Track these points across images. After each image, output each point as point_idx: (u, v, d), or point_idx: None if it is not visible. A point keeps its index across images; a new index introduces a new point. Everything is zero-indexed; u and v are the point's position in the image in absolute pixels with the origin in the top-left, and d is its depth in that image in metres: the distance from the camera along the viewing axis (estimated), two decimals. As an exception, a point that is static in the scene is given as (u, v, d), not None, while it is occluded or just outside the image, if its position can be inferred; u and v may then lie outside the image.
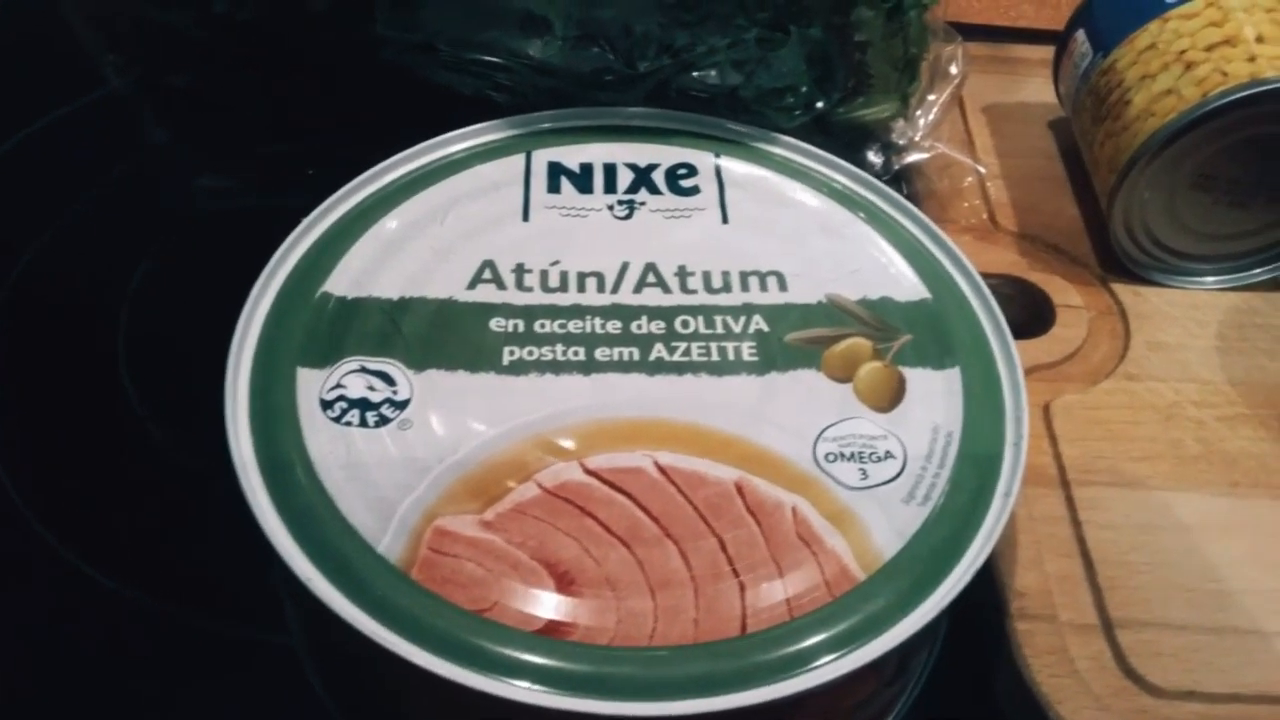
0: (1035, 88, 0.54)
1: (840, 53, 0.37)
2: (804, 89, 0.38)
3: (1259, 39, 0.40)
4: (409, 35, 0.38)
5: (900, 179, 0.48)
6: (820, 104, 0.39)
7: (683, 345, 0.34)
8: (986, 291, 0.36)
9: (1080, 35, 0.47)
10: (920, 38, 0.40)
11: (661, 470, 0.31)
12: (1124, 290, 0.46)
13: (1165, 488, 0.39)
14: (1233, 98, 0.39)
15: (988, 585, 0.36)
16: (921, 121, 0.45)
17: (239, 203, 0.52)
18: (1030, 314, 0.46)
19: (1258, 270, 0.45)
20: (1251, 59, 0.40)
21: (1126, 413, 0.42)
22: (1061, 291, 0.46)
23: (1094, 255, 0.47)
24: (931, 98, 0.43)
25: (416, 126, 0.40)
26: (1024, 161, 0.52)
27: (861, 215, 0.38)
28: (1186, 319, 0.45)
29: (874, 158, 0.45)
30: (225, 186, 0.52)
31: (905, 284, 0.36)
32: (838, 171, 0.40)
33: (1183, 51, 0.42)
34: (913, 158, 0.44)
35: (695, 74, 0.38)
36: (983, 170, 0.48)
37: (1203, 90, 0.40)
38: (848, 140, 0.42)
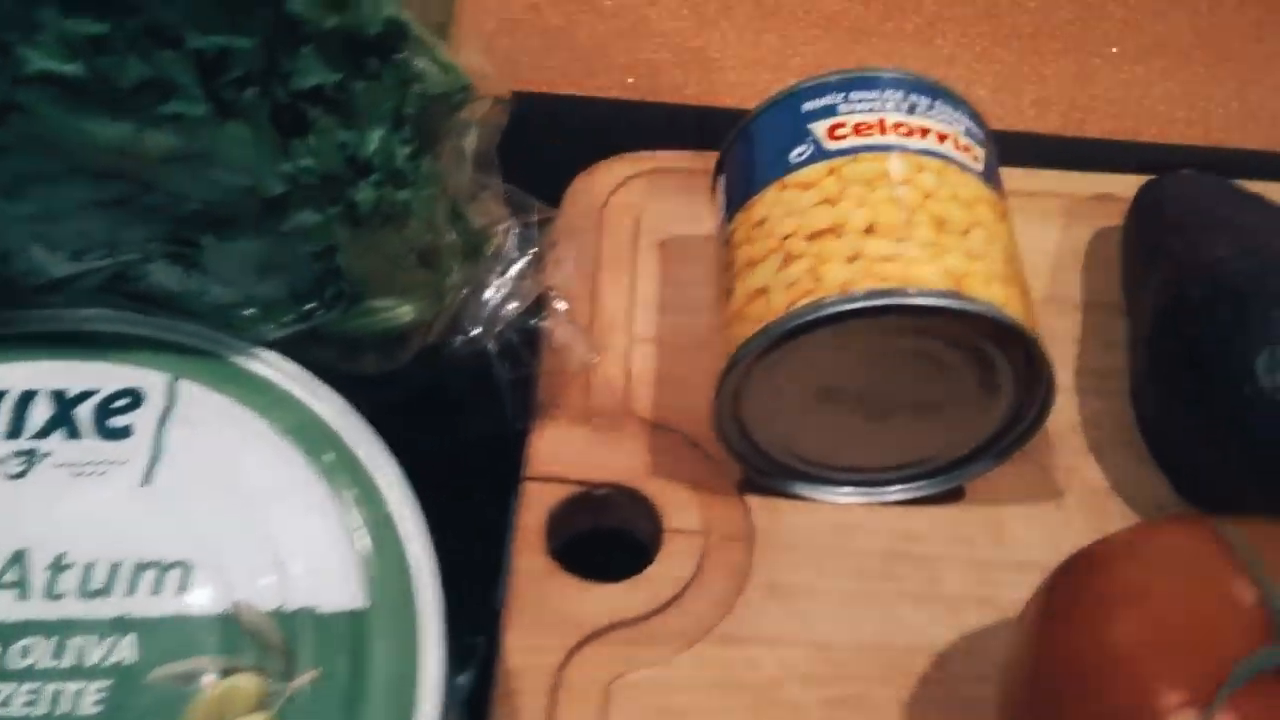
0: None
1: (295, 261, 0.29)
2: (265, 301, 0.30)
3: (869, 229, 0.31)
4: None
5: (509, 354, 0.39)
6: (299, 315, 0.30)
7: (2, 692, 0.26)
8: (438, 590, 0.28)
9: (721, 184, 0.38)
10: (445, 223, 0.31)
11: None
12: (760, 505, 0.37)
13: (728, 814, 0.31)
14: (816, 315, 0.30)
15: None
16: (498, 301, 0.36)
17: None
18: (651, 536, 0.38)
19: (894, 488, 0.36)
20: (852, 258, 0.31)
21: (709, 696, 0.33)
22: (680, 508, 0.37)
23: (737, 453, 0.39)
24: (499, 279, 0.35)
25: None
26: (688, 319, 0.42)
27: (325, 469, 0.30)
28: (826, 547, 0.36)
29: (453, 347, 0.36)
30: None
31: (344, 580, 0.28)
32: (319, 399, 0.31)
33: (787, 236, 0.32)
34: (483, 345, 0.36)
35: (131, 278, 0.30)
36: (596, 356, 0.39)
37: (790, 299, 0.31)
38: (383, 343, 0.33)
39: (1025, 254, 0.37)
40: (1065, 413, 0.40)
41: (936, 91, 0.35)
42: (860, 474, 0.36)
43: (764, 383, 0.33)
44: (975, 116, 0.36)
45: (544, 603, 0.34)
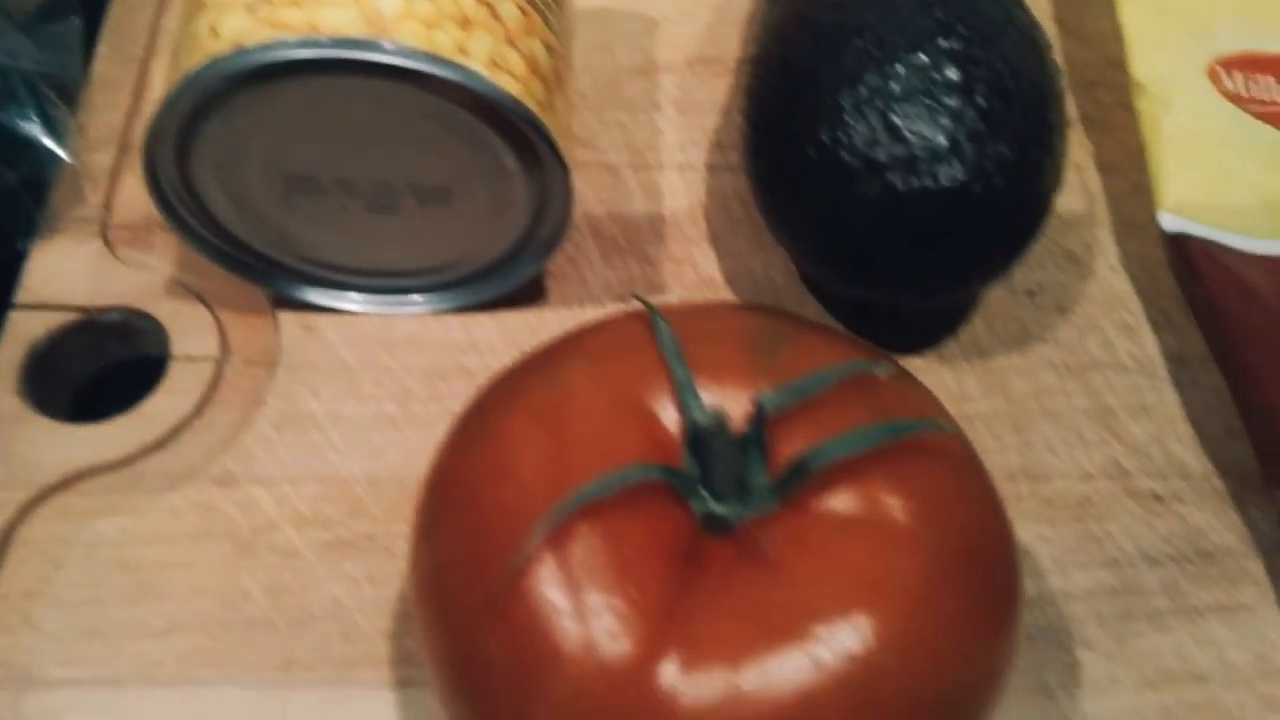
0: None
1: None
2: None
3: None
4: None
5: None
6: None
7: None
8: None
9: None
10: None
11: None
12: (293, 324, 0.32)
13: (181, 681, 0.26)
14: (211, 78, 0.24)
15: None
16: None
17: None
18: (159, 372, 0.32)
19: (418, 296, 0.31)
20: (253, 6, 0.24)
21: (187, 548, 0.28)
22: (193, 330, 0.31)
23: (278, 263, 0.33)
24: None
25: None
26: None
27: None
28: (364, 366, 0.31)
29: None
30: None
31: None
32: None
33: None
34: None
35: None
36: (74, 162, 0.32)
37: (190, 64, 0.25)
38: None
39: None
40: (683, 196, 0.35)
41: None
42: (380, 279, 0.30)
43: (209, 159, 0.26)
44: None
45: (5, 450, 0.29)
